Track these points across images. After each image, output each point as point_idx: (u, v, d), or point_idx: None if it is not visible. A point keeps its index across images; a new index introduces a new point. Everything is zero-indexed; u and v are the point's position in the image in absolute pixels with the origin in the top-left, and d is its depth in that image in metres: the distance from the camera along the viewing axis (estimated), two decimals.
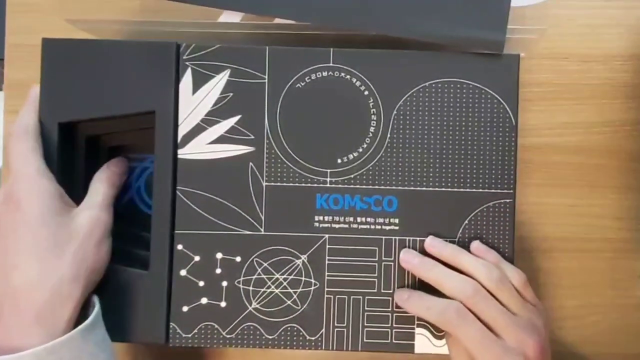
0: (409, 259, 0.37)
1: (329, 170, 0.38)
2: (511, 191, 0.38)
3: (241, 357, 0.43)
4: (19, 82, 0.43)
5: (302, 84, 0.38)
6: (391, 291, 0.38)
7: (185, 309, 0.37)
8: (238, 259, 0.38)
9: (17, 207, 0.33)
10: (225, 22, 0.39)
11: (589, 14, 0.42)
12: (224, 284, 0.38)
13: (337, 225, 0.38)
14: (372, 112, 0.38)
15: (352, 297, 0.38)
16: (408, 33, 0.37)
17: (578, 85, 0.42)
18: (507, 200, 0.38)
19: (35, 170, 0.35)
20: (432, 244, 0.37)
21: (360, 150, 0.38)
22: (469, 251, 0.37)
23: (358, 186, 0.38)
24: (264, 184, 0.38)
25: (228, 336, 0.37)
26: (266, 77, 0.38)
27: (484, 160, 0.38)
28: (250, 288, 0.38)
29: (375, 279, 0.38)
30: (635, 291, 0.42)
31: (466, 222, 0.38)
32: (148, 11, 0.43)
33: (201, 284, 0.37)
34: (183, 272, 0.37)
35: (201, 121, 0.38)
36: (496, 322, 0.34)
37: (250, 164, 0.38)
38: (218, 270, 0.38)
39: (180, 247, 0.38)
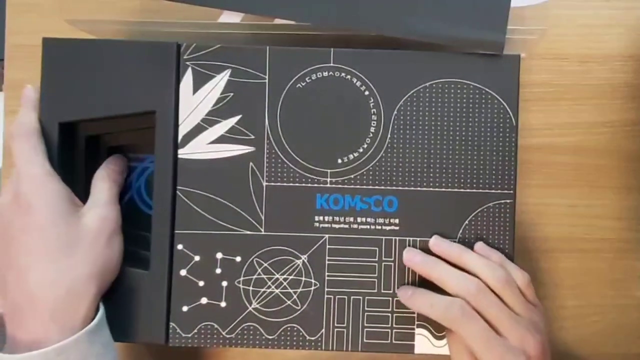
0: (412, 257, 0.37)
1: (329, 171, 0.38)
2: (511, 191, 0.38)
3: (241, 357, 0.43)
4: (19, 82, 0.43)
5: (303, 84, 0.38)
6: (391, 291, 0.38)
7: (185, 308, 0.37)
8: (238, 258, 0.38)
9: (28, 209, 0.34)
10: (226, 22, 0.39)
11: (588, 15, 0.42)
12: (224, 284, 0.38)
13: (337, 226, 0.38)
14: (372, 112, 0.38)
15: (352, 297, 0.38)
16: (408, 33, 0.37)
17: (578, 85, 0.42)
18: (508, 201, 0.38)
19: (42, 171, 0.35)
20: (437, 243, 0.37)
21: (361, 150, 0.38)
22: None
23: (358, 186, 0.38)
24: (264, 184, 0.38)
25: (228, 336, 0.37)
26: (267, 77, 0.38)
27: (484, 160, 0.38)
28: (250, 288, 0.38)
29: (375, 279, 0.38)
30: (635, 291, 0.42)
31: (466, 222, 0.38)
32: (148, 11, 0.43)
33: (201, 283, 0.37)
34: (183, 272, 0.37)
35: (201, 121, 0.38)
36: (499, 321, 0.34)
37: (251, 164, 0.38)
38: (218, 270, 0.38)
39: (180, 247, 0.38)
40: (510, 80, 0.38)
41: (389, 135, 0.38)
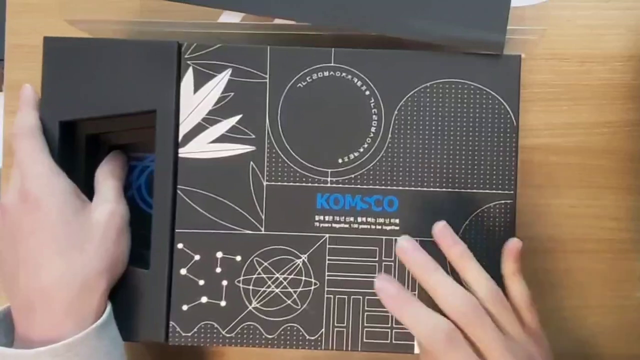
0: (409, 251, 0.33)
1: (329, 170, 0.38)
2: (512, 192, 0.38)
3: (240, 359, 0.43)
4: (19, 82, 0.43)
5: (303, 84, 0.38)
6: None
7: (185, 307, 0.37)
8: (238, 258, 0.38)
9: (37, 206, 0.34)
10: (226, 22, 0.39)
11: (588, 15, 0.42)
12: (224, 283, 0.38)
13: (337, 225, 0.38)
14: (373, 112, 0.38)
15: (352, 297, 0.38)
16: (407, 33, 0.37)
17: (578, 86, 0.42)
18: (508, 201, 0.38)
19: (48, 168, 0.35)
20: (444, 233, 0.34)
21: (361, 150, 0.38)
22: (503, 271, 0.36)
23: (359, 186, 0.38)
24: (265, 183, 0.38)
25: (228, 335, 0.37)
26: (267, 76, 0.38)
27: (485, 161, 0.38)
28: (250, 287, 0.38)
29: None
30: (635, 292, 0.42)
31: (467, 222, 0.38)
32: (148, 12, 0.43)
33: (201, 282, 0.37)
34: (183, 271, 0.37)
35: (202, 120, 0.38)
36: (489, 348, 0.31)
37: (251, 163, 0.38)
38: (218, 270, 0.38)
39: (180, 246, 0.38)
40: (511, 80, 0.38)
41: (389, 135, 0.38)
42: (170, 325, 0.37)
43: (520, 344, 0.32)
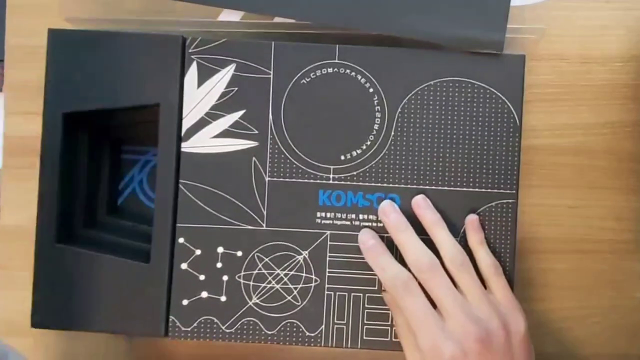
0: (388, 213, 0.37)
1: (332, 167, 0.38)
2: (514, 191, 0.38)
3: None
4: (19, 82, 0.43)
5: (307, 80, 0.38)
6: None
7: (185, 302, 0.37)
8: (239, 253, 0.38)
9: None
10: (226, 21, 0.39)
11: (589, 15, 0.42)
12: (225, 278, 0.37)
13: (339, 222, 0.38)
14: (376, 110, 0.38)
15: (352, 294, 0.38)
16: (407, 33, 0.37)
17: (578, 86, 0.42)
18: (510, 201, 0.38)
19: None
20: (420, 203, 0.37)
21: (364, 147, 0.38)
22: (470, 250, 0.37)
23: (361, 183, 0.38)
24: (267, 179, 0.38)
25: (227, 331, 0.37)
26: (271, 72, 0.38)
27: (487, 160, 0.38)
28: (251, 283, 0.37)
29: (376, 277, 0.38)
30: (635, 292, 0.42)
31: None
32: (148, 12, 0.43)
33: (202, 277, 0.37)
34: (184, 266, 0.37)
35: (205, 115, 0.38)
36: (442, 303, 0.34)
37: (254, 158, 0.38)
38: (219, 265, 0.37)
39: (181, 240, 0.37)
40: (514, 80, 0.38)
41: (392, 133, 0.38)
42: (170, 319, 0.37)
43: (478, 306, 0.34)
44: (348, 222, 0.38)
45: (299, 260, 0.38)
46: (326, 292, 0.38)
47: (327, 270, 0.38)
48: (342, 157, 0.38)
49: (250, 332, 0.37)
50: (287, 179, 0.38)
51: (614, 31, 0.42)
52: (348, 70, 0.38)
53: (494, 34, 0.37)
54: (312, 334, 0.37)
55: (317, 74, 0.38)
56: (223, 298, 0.37)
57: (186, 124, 0.38)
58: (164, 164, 0.37)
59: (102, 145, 0.40)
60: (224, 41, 0.38)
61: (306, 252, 0.38)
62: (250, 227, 0.38)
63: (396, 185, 0.38)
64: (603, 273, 0.42)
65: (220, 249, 0.38)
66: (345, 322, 0.38)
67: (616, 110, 0.42)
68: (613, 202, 0.42)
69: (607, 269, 0.42)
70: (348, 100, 0.38)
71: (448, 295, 0.34)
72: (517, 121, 0.38)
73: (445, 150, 0.38)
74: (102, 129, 0.40)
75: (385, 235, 0.38)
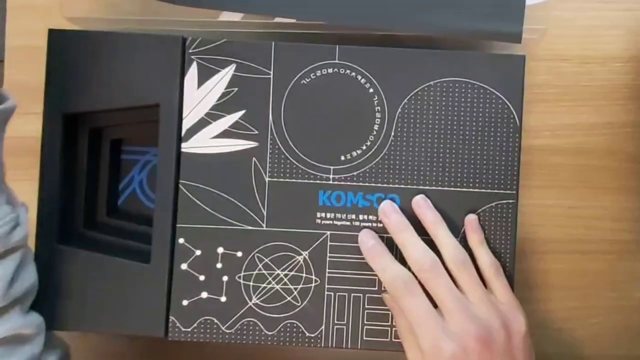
0: (388, 213, 0.37)
1: (332, 167, 0.38)
2: (514, 192, 0.38)
3: None
4: (19, 83, 0.43)
5: (307, 80, 0.38)
6: None
7: (185, 303, 0.37)
8: (239, 254, 0.37)
9: None
10: (227, 21, 0.39)
11: (589, 16, 0.42)
12: (225, 278, 0.37)
13: (339, 223, 0.38)
14: (376, 110, 0.38)
15: (352, 294, 0.38)
16: (423, 30, 0.37)
17: (578, 86, 0.42)
18: (510, 201, 0.38)
19: None
20: (420, 203, 0.37)
21: (364, 147, 0.38)
22: (469, 244, 0.37)
23: (361, 184, 0.38)
24: (267, 179, 0.38)
25: (227, 331, 0.37)
26: (271, 72, 0.38)
27: (487, 160, 0.38)
28: (251, 283, 0.37)
29: (376, 277, 0.37)
30: (635, 293, 0.42)
31: None
32: (148, 12, 0.43)
33: (202, 278, 0.37)
34: (184, 266, 0.37)
35: (205, 115, 0.38)
36: (443, 302, 0.34)
37: (254, 159, 0.38)
38: (219, 265, 0.37)
39: (181, 240, 0.37)
40: (515, 80, 0.38)
41: (392, 133, 0.38)
42: (170, 320, 0.37)
43: (479, 306, 0.34)
44: (348, 223, 0.38)
45: (299, 261, 0.38)
46: (326, 293, 0.38)
47: (327, 270, 0.38)
48: (342, 158, 0.38)
49: (250, 332, 0.37)
50: (287, 180, 0.38)
51: (614, 31, 0.42)
52: (348, 71, 0.38)
53: (512, 26, 0.37)
54: (312, 335, 0.37)
55: (317, 74, 0.38)
56: (223, 298, 0.37)
57: (186, 124, 0.38)
58: (164, 164, 0.37)
59: (102, 146, 0.40)
60: (224, 41, 0.38)
61: (306, 252, 0.38)
62: (250, 228, 0.38)
63: (396, 186, 0.38)
64: (603, 273, 0.42)
65: (220, 250, 0.38)
66: (345, 322, 0.37)
67: (616, 110, 0.42)
68: (613, 202, 0.42)
69: (607, 269, 0.42)
70: (348, 101, 0.38)
71: (449, 295, 0.34)
72: (517, 121, 0.38)
73: (445, 151, 0.38)
74: (102, 130, 0.40)
75: (386, 235, 0.38)
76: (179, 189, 0.37)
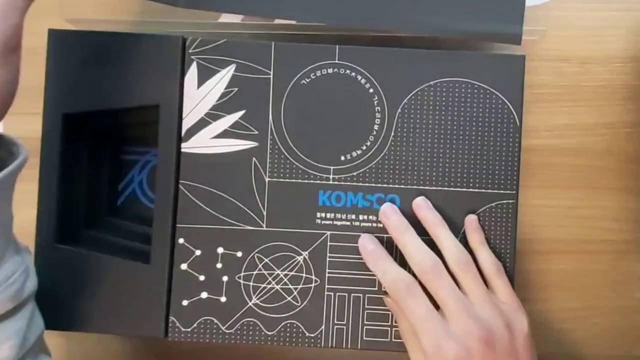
0: (388, 215, 0.37)
1: (332, 167, 0.38)
2: (514, 192, 0.38)
3: None
4: (19, 83, 0.43)
5: (307, 80, 0.38)
6: None
7: (185, 303, 0.37)
8: (239, 254, 0.38)
9: None
10: (226, 22, 0.39)
11: (589, 16, 0.42)
12: (225, 278, 0.37)
13: (339, 223, 0.38)
14: (376, 110, 0.38)
15: (352, 294, 0.38)
16: (423, 31, 0.37)
17: (578, 87, 0.42)
18: (510, 201, 0.38)
19: None
20: (421, 205, 0.37)
21: (364, 147, 0.38)
22: (470, 245, 0.37)
23: (361, 184, 0.38)
24: (267, 179, 0.38)
25: (227, 331, 0.37)
26: (271, 72, 0.38)
27: (487, 160, 0.38)
28: (251, 283, 0.37)
29: (376, 277, 0.38)
30: (635, 293, 0.42)
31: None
32: (148, 12, 0.43)
33: (202, 278, 0.37)
34: (184, 266, 0.37)
35: (205, 115, 0.38)
36: (445, 304, 0.34)
37: (254, 159, 0.38)
38: (219, 265, 0.37)
39: (181, 241, 0.37)
40: (515, 80, 0.38)
41: (392, 133, 0.38)
42: (170, 320, 0.37)
43: (481, 306, 0.34)
44: (348, 223, 0.38)
45: (299, 261, 0.38)
46: (326, 293, 0.38)
47: (327, 270, 0.38)
48: (342, 158, 0.38)
49: (250, 332, 0.37)
50: (287, 180, 0.38)
51: (614, 31, 0.42)
52: (348, 71, 0.38)
53: (512, 27, 0.37)
54: (312, 335, 0.37)
55: (317, 75, 0.38)
56: (223, 298, 0.37)
57: (186, 125, 0.38)
58: (164, 164, 0.37)
59: (102, 146, 0.40)
60: (224, 42, 0.38)
61: (306, 252, 0.38)
62: (250, 228, 0.38)
63: (396, 186, 0.38)
64: (603, 273, 0.42)
65: (220, 250, 0.38)
66: (345, 322, 0.37)
67: (616, 111, 0.42)
68: (613, 202, 0.42)
69: (607, 270, 0.42)
70: (348, 101, 0.38)
71: (451, 296, 0.34)
72: (517, 121, 0.38)
73: (445, 151, 0.38)
74: (102, 130, 0.40)
75: (386, 235, 0.38)
76: (179, 189, 0.37)
